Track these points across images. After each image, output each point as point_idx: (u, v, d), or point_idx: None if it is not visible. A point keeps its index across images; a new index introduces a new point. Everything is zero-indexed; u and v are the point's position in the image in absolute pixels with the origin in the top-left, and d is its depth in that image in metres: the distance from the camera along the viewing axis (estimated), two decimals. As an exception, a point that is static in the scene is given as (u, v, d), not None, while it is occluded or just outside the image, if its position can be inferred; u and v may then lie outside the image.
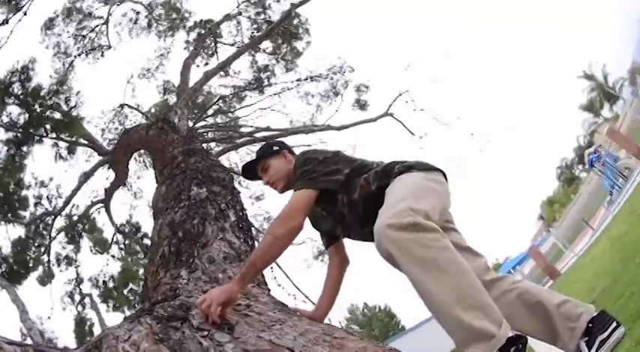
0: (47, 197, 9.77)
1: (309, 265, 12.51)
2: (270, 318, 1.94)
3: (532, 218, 49.42)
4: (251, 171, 2.65)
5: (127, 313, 10.60)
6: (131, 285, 10.88)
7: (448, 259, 1.68)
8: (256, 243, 3.17)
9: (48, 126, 8.36)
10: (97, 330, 11.57)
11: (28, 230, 9.46)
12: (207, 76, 8.81)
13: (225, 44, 11.38)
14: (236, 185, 4.47)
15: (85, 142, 8.69)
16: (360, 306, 48.89)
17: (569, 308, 1.91)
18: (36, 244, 9.65)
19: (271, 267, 6.09)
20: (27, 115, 8.17)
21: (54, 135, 8.52)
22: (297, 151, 2.66)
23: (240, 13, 11.22)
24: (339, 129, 10.48)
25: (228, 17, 11.12)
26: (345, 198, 2.25)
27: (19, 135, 8.41)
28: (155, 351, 1.58)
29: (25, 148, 8.66)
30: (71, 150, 9.01)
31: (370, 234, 1.91)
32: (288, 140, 10.58)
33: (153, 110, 11.66)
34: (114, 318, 11.22)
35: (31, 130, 8.29)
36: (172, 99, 11.36)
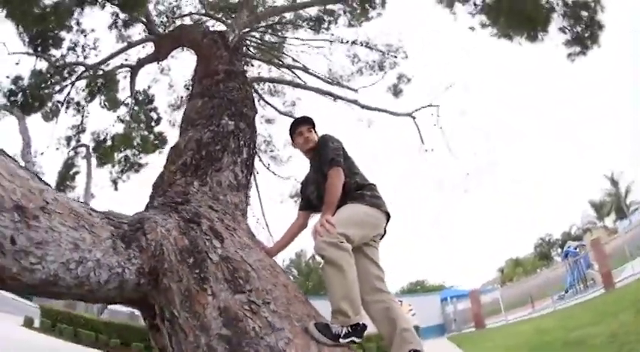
0: (83, 46, 10.52)
1: (282, 200, 14.04)
2: (244, 242, 3.08)
3: (494, 266, 51.38)
4: (298, 122, 3.89)
5: (113, 169, 11.84)
6: (123, 150, 12.09)
7: (346, 269, 2.85)
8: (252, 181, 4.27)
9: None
10: (81, 178, 12.84)
11: (54, 68, 10.24)
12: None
13: None
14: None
15: (143, 20, 9.45)
16: (307, 256, 50.94)
17: (407, 336, 3.04)
18: (53, 81, 10.44)
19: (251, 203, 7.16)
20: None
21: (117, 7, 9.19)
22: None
23: None
24: (362, 107, 11.31)
25: None
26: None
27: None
28: (180, 239, 2.68)
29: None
30: (127, 24, 9.70)
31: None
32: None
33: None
34: (99, 172, 12.45)
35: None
36: None
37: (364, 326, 2.83)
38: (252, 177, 4.45)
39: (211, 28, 12.33)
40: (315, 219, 3.44)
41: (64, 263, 2.13)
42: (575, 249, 22.49)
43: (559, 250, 41.35)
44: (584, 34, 9.01)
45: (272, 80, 11.94)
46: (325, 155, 3.44)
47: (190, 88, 12.95)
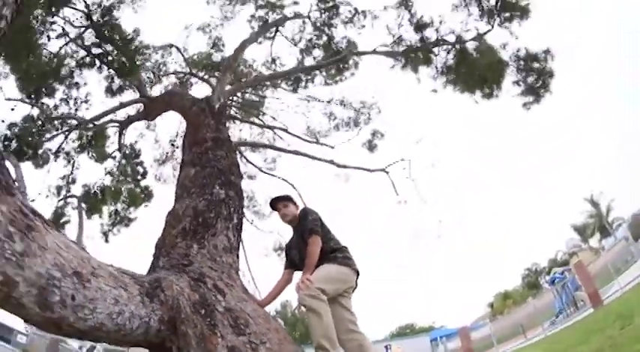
0: (75, 98, 11.09)
1: (267, 254, 14.78)
2: (241, 296, 3.78)
3: (484, 302, 51.53)
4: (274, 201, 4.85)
5: (104, 222, 12.44)
6: (112, 202, 12.64)
7: (323, 315, 3.69)
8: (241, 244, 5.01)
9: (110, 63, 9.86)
10: (72, 227, 13.20)
11: (47, 118, 10.83)
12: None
13: (283, 36, 12.67)
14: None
15: (135, 83, 10.26)
16: (293, 306, 50.71)
17: None
18: (45, 130, 10.95)
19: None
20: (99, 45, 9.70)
21: (111, 72, 10.03)
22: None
23: (309, 17, 12.31)
24: (338, 166, 12.18)
25: (298, 16, 12.33)
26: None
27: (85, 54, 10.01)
28: (193, 295, 3.38)
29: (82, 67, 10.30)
30: (121, 89, 10.51)
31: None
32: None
33: (195, 57, 13.40)
34: (89, 223, 12.85)
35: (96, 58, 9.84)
36: (216, 56, 13.17)
37: None
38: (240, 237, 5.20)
39: (195, 85, 13.31)
40: (297, 275, 4.22)
41: (108, 314, 2.80)
42: (562, 273, 22.81)
43: (547, 277, 41.86)
44: (537, 84, 10.02)
45: (254, 144, 12.84)
46: (306, 226, 4.34)
47: (180, 149, 13.74)
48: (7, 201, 2.55)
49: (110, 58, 9.98)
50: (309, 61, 12.81)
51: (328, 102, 13.72)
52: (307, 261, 4.09)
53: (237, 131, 13.54)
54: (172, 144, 14.21)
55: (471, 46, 9.97)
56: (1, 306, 2.61)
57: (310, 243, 4.18)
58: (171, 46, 12.78)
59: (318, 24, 12.31)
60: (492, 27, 9.77)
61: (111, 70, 10.12)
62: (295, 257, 4.56)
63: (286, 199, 4.86)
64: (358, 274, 4.37)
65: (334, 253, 4.28)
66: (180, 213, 5.02)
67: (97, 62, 10.14)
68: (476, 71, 9.72)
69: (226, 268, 4.29)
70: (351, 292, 4.34)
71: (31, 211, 2.68)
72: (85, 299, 2.68)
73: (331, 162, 12.14)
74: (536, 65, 9.86)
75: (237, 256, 4.85)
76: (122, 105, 11.06)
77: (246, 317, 3.48)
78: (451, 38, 10.04)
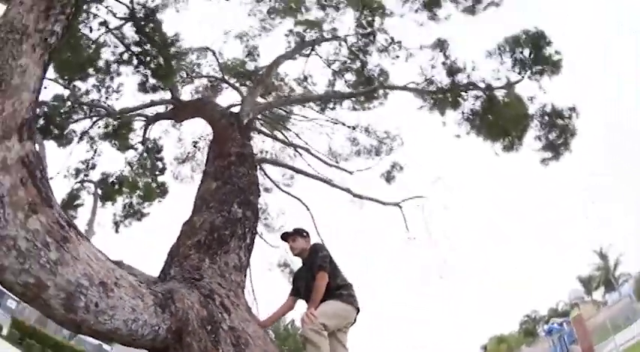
0: (107, 87, 11.50)
1: (270, 268, 14.93)
2: (245, 316, 4.09)
3: (477, 344, 51.26)
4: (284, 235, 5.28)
5: (116, 213, 12.84)
6: (127, 193, 13.00)
7: (323, 348, 4.05)
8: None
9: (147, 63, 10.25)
10: (85, 210, 13.58)
11: (77, 103, 11.40)
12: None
13: (318, 55, 12.94)
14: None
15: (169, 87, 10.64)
16: (287, 321, 50.68)
17: None
18: (73, 113, 11.52)
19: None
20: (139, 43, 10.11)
21: (147, 71, 10.42)
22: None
23: (345, 40, 12.55)
24: (354, 195, 12.44)
25: (335, 37, 12.53)
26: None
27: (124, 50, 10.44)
28: (202, 310, 3.68)
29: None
30: (154, 88, 10.85)
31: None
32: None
33: (229, 63, 13.69)
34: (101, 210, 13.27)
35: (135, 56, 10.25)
36: (250, 64, 13.47)
37: None
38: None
39: (225, 90, 13.61)
40: (300, 303, 4.74)
41: (124, 320, 3.13)
42: (560, 324, 22.70)
43: (545, 326, 41.42)
44: (558, 141, 10.22)
45: (276, 163, 13.17)
46: (315, 261, 4.68)
47: (198, 150, 14.08)
48: (46, 213, 2.90)
49: (148, 57, 10.35)
50: (339, 84, 13.09)
51: (354, 128, 14.01)
52: (313, 295, 4.44)
53: (260, 142, 13.93)
54: (195, 146, 14.63)
55: (499, 95, 10.19)
56: (28, 302, 2.95)
57: (318, 278, 4.51)
58: (207, 49, 13.15)
59: (354, 48, 12.57)
60: (523, 78, 9.97)
61: (147, 70, 10.47)
62: (301, 287, 4.89)
63: (296, 234, 5.21)
64: (358, 311, 4.69)
65: (339, 290, 4.61)
66: (197, 226, 5.34)
67: (135, 60, 10.51)
68: (501, 121, 9.93)
69: (234, 286, 4.59)
70: (349, 327, 4.68)
71: (66, 222, 3.03)
72: (107, 306, 3.01)
73: (347, 190, 12.37)
74: (560, 122, 10.05)
75: (245, 275, 5.16)
76: (152, 103, 11.48)
77: (247, 338, 3.77)
78: (482, 85, 10.26)
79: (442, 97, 10.61)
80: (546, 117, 10.11)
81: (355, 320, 4.71)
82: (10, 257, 2.67)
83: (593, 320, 19.69)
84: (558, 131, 10.10)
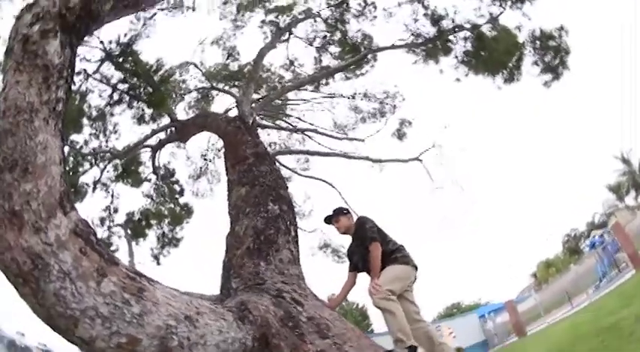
0: (104, 131, 11.45)
1: (313, 253, 15.30)
2: (316, 304, 4.35)
3: (527, 273, 51.30)
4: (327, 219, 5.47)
5: (153, 246, 13.06)
6: (156, 225, 13.20)
7: (396, 312, 4.27)
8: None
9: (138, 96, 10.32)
10: (123, 256, 13.82)
11: (80, 155, 11.41)
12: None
13: (297, 37, 12.96)
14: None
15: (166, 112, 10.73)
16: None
17: (444, 348, 4.54)
18: (80, 165, 11.55)
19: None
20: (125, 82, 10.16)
21: (141, 104, 10.52)
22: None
23: (319, 15, 12.48)
24: (374, 161, 12.70)
25: (309, 16, 12.46)
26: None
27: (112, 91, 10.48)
28: (278, 311, 3.90)
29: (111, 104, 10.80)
30: (152, 118, 10.96)
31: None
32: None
33: (213, 70, 13.71)
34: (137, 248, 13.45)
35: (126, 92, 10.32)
36: (233, 65, 13.55)
37: (416, 347, 4.17)
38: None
39: (216, 97, 13.66)
40: (361, 276, 4.99)
41: (216, 344, 3.35)
42: (601, 236, 23.03)
43: (587, 241, 41.43)
44: (554, 62, 10.38)
45: (291, 152, 13.36)
46: (365, 234, 4.91)
47: (211, 162, 14.18)
48: (115, 272, 3.04)
49: (137, 91, 10.43)
50: (326, 58, 13.17)
51: (352, 97, 14.14)
52: (372, 267, 4.68)
53: (265, 136, 14.02)
54: (204, 158, 14.82)
55: (487, 31, 10.28)
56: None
57: (371, 249, 4.75)
58: (187, 63, 13.11)
59: (330, 21, 12.56)
60: (504, 9, 10.09)
61: (140, 103, 10.58)
62: (358, 262, 5.13)
63: (337, 214, 5.44)
64: (416, 268, 4.93)
65: (394, 254, 4.84)
66: (241, 234, 5.56)
67: (126, 97, 10.60)
68: (495, 55, 10.05)
69: (295, 279, 4.83)
70: (412, 284, 4.91)
71: (135, 273, 3.21)
72: (197, 336, 3.22)
73: (367, 158, 12.65)
74: (552, 43, 10.19)
75: (300, 266, 5.38)
76: (154, 132, 11.47)
77: (326, 322, 4.03)
78: (467, 26, 10.35)
79: (432, 47, 10.78)
80: (537, 42, 10.24)
81: (416, 277, 4.93)
82: (97, 326, 2.81)
83: (630, 225, 19.31)
84: (552, 52, 10.24)
